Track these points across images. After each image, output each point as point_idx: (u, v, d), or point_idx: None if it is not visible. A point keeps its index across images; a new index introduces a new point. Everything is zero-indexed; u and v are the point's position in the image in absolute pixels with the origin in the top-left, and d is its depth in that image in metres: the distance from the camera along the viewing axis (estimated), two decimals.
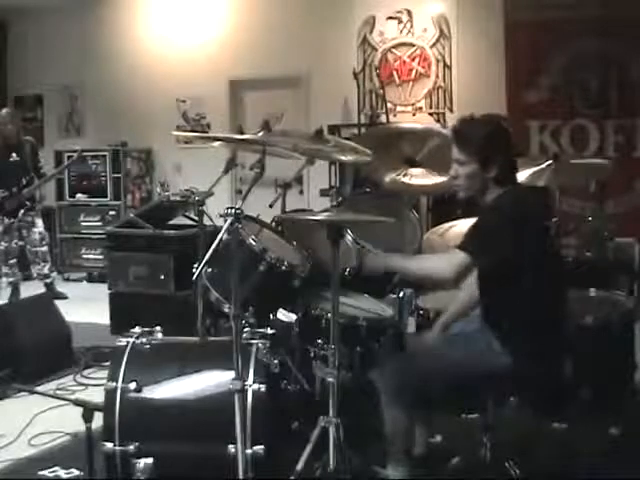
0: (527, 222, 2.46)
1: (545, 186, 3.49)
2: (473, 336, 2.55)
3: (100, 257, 7.57)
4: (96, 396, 2.71)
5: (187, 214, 4.86)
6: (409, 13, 6.95)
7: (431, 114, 6.98)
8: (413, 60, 6.98)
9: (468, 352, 2.49)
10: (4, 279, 6.30)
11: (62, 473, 2.94)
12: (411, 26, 6.96)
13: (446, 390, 2.50)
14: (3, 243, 6.20)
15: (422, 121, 6.74)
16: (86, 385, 4.12)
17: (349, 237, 3.34)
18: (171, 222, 5.32)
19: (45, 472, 2.96)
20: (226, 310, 2.90)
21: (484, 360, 2.46)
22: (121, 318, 5.05)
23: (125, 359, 2.57)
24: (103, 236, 6.30)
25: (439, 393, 2.51)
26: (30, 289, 6.10)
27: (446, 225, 3.49)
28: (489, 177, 2.51)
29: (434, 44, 6.90)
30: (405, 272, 2.74)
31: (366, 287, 3.29)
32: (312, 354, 2.94)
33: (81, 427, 2.50)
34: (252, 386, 2.47)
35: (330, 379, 2.53)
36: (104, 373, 3.03)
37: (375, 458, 2.71)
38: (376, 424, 2.58)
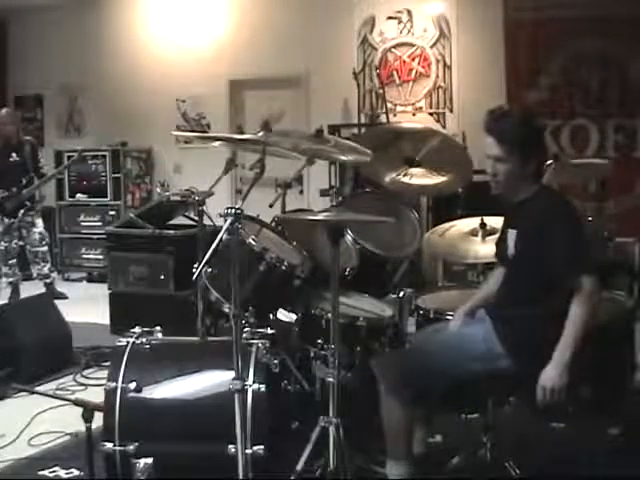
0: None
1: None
2: (476, 336, 2.54)
3: (100, 257, 7.57)
4: (96, 396, 2.70)
5: (187, 214, 4.86)
6: (409, 13, 6.95)
7: (431, 114, 6.98)
8: (413, 60, 6.99)
9: (469, 352, 2.49)
10: (4, 279, 6.31)
11: (62, 473, 2.94)
12: (411, 26, 6.96)
13: (445, 388, 2.50)
14: (3, 243, 6.21)
15: (422, 121, 6.74)
16: (86, 385, 4.11)
17: (349, 237, 3.34)
18: (171, 222, 5.32)
19: (45, 472, 2.97)
20: (226, 310, 2.90)
21: (485, 361, 2.46)
22: (121, 318, 5.05)
23: (125, 359, 2.57)
24: (103, 236, 6.31)
25: (438, 391, 2.51)
26: (30, 289, 6.10)
27: (446, 225, 3.48)
28: (527, 173, 2.49)
29: (434, 44, 6.90)
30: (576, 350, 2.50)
31: (366, 287, 3.29)
32: (312, 354, 2.94)
33: (81, 427, 2.50)
34: (252, 386, 2.47)
35: (330, 379, 2.53)
36: (104, 373, 3.04)
37: (375, 458, 2.71)
38: (376, 424, 2.58)
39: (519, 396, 2.75)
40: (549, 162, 3.51)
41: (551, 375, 2.35)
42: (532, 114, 2.60)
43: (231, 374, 2.20)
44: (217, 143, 3.31)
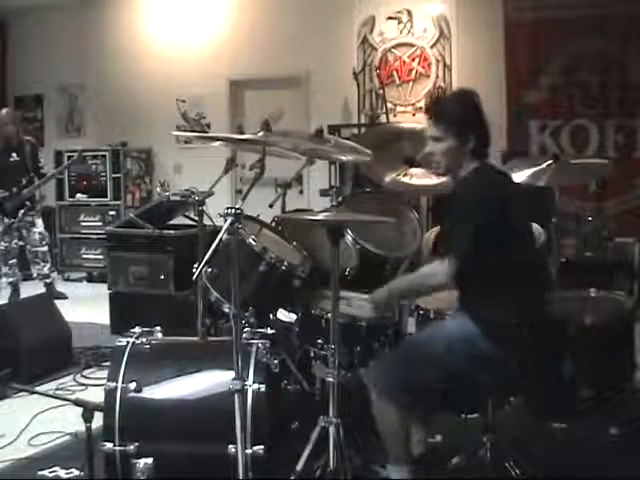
0: (500, 206, 2.46)
1: (545, 186, 3.49)
2: (455, 327, 2.54)
3: (100, 257, 7.57)
4: (96, 396, 2.70)
5: (187, 214, 4.86)
6: (409, 13, 6.95)
7: None
8: (413, 60, 6.98)
9: (455, 351, 2.49)
10: (4, 279, 6.31)
11: (62, 473, 2.94)
12: (411, 26, 6.96)
13: (433, 390, 2.49)
14: (3, 243, 6.20)
15: (422, 121, 6.71)
16: (86, 385, 4.12)
17: (349, 237, 3.34)
18: (171, 222, 5.32)
19: (45, 472, 2.96)
20: (226, 310, 2.90)
21: (470, 360, 2.46)
22: (121, 318, 5.05)
23: (125, 359, 2.57)
24: (103, 236, 6.31)
25: (430, 388, 2.50)
26: (30, 289, 6.10)
27: None
28: (466, 151, 2.53)
29: (434, 44, 6.90)
30: (405, 295, 2.78)
31: (366, 287, 3.29)
32: (312, 354, 2.94)
33: (81, 427, 2.50)
34: (252, 386, 2.47)
35: (330, 379, 2.53)
36: (104, 373, 3.04)
37: (375, 458, 2.71)
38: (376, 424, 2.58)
39: (516, 394, 2.78)
40: (549, 162, 3.51)
41: (378, 292, 2.61)
42: (469, 93, 2.61)
43: (231, 374, 2.20)
44: (217, 143, 3.32)
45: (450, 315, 2.69)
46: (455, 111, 2.56)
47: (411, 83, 7.01)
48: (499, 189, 2.53)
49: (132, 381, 2.49)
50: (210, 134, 7.01)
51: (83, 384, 4.14)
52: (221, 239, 2.18)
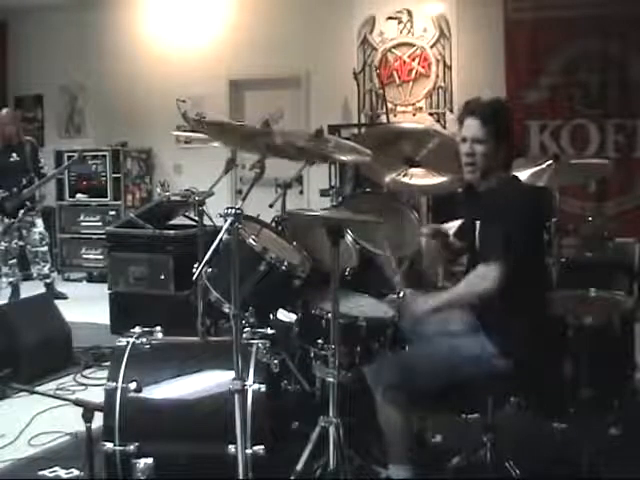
0: (538, 218, 2.49)
1: (545, 186, 3.49)
2: (466, 338, 2.54)
3: (100, 257, 7.57)
4: (96, 396, 2.71)
5: (187, 214, 4.86)
6: (409, 13, 6.95)
7: (431, 114, 6.98)
8: (413, 60, 6.99)
9: (460, 354, 2.49)
10: (4, 279, 6.31)
11: (62, 473, 2.94)
12: (411, 26, 6.96)
13: (438, 397, 2.50)
14: (3, 243, 6.21)
15: (422, 121, 6.74)
16: (86, 385, 4.12)
17: (349, 237, 3.34)
18: (171, 222, 5.32)
19: (45, 472, 2.96)
20: (226, 310, 2.90)
21: (480, 363, 2.46)
22: (121, 318, 5.05)
23: (125, 359, 2.57)
24: (103, 236, 6.31)
25: (434, 396, 2.51)
26: (30, 289, 6.11)
27: (446, 225, 3.48)
28: (500, 158, 2.55)
29: (434, 44, 6.91)
30: (449, 307, 2.61)
31: (366, 287, 3.29)
32: (312, 354, 2.93)
33: (81, 427, 2.50)
34: (252, 386, 2.47)
35: (330, 379, 2.53)
36: (104, 373, 3.04)
37: (375, 458, 2.71)
38: (376, 424, 2.58)
39: (516, 394, 2.78)
40: (549, 162, 3.51)
41: (422, 302, 2.58)
42: (508, 104, 2.66)
43: (231, 374, 2.20)
44: (217, 143, 3.31)
45: (460, 331, 2.66)
46: (504, 117, 2.58)
47: (411, 83, 7.01)
48: (541, 202, 2.55)
49: (132, 381, 2.49)
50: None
51: (83, 384, 4.14)
52: (221, 239, 2.18)
